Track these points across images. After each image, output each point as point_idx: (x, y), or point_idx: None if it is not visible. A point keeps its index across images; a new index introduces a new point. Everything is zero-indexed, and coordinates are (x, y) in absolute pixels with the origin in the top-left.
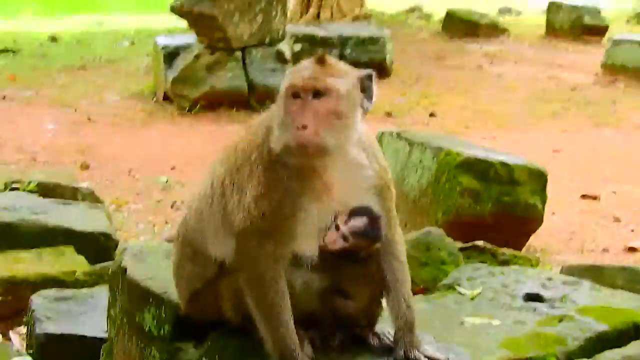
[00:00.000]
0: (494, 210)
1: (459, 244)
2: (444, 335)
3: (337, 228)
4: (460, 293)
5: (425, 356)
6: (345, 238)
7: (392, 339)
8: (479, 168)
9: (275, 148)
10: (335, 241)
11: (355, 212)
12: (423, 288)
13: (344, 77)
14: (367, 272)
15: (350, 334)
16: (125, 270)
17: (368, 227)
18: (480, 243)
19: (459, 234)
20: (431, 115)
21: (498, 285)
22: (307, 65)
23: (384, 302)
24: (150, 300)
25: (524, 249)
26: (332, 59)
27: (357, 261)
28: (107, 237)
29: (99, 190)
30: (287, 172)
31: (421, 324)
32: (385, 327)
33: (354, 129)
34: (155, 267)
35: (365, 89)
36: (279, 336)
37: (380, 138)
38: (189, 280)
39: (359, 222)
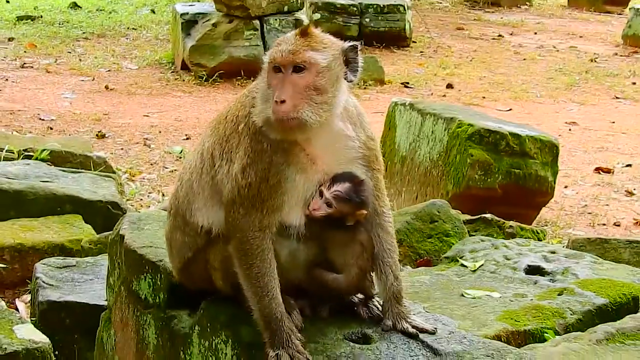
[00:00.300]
0: (504, 183)
1: (467, 217)
2: (443, 307)
3: (321, 194)
4: (462, 265)
5: (413, 326)
6: (329, 204)
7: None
8: (490, 140)
9: (257, 122)
10: (319, 207)
11: (338, 178)
12: (426, 260)
13: (325, 50)
14: (356, 240)
15: (340, 304)
16: (123, 238)
17: (351, 191)
18: (487, 215)
19: (469, 206)
20: (448, 86)
21: (501, 258)
22: (289, 38)
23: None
24: (147, 268)
25: (534, 222)
26: (315, 31)
27: (344, 230)
28: (115, 206)
29: (114, 160)
30: (272, 144)
31: (421, 296)
32: (374, 297)
33: (336, 102)
34: (152, 236)
35: (350, 61)
36: (265, 304)
37: (393, 108)
38: (180, 250)
39: (342, 186)
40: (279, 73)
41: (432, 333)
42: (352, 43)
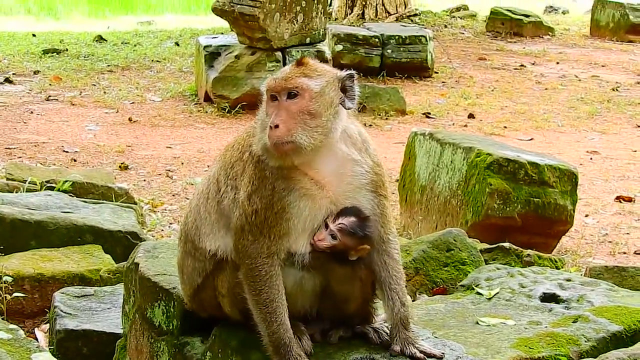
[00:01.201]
0: (524, 212)
1: (484, 245)
2: (458, 334)
3: (327, 226)
4: (478, 293)
5: (421, 351)
6: (333, 236)
7: None
8: (509, 169)
9: (256, 150)
10: (324, 239)
11: (344, 212)
12: (442, 288)
13: (318, 77)
14: (356, 276)
15: (350, 330)
16: (137, 266)
17: (356, 226)
18: (505, 244)
19: (488, 236)
20: (470, 116)
21: (516, 286)
22: (285, 68)
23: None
24: (160, 295)
25: (555, 251)
26: (311, 61)
27: (345, 264)
28: (135, 236)
29: (137, 191)
30: (273, 171)
31: (436, 323)
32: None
33: (331, 127)
34: (166, 264)
35: (347, 89)
36: (273, 330)
37: (412, 138)
38: (191, 276)
39: (347, 220)
40: (275, 101)
41: (440, 358)
42: (348, 72)
